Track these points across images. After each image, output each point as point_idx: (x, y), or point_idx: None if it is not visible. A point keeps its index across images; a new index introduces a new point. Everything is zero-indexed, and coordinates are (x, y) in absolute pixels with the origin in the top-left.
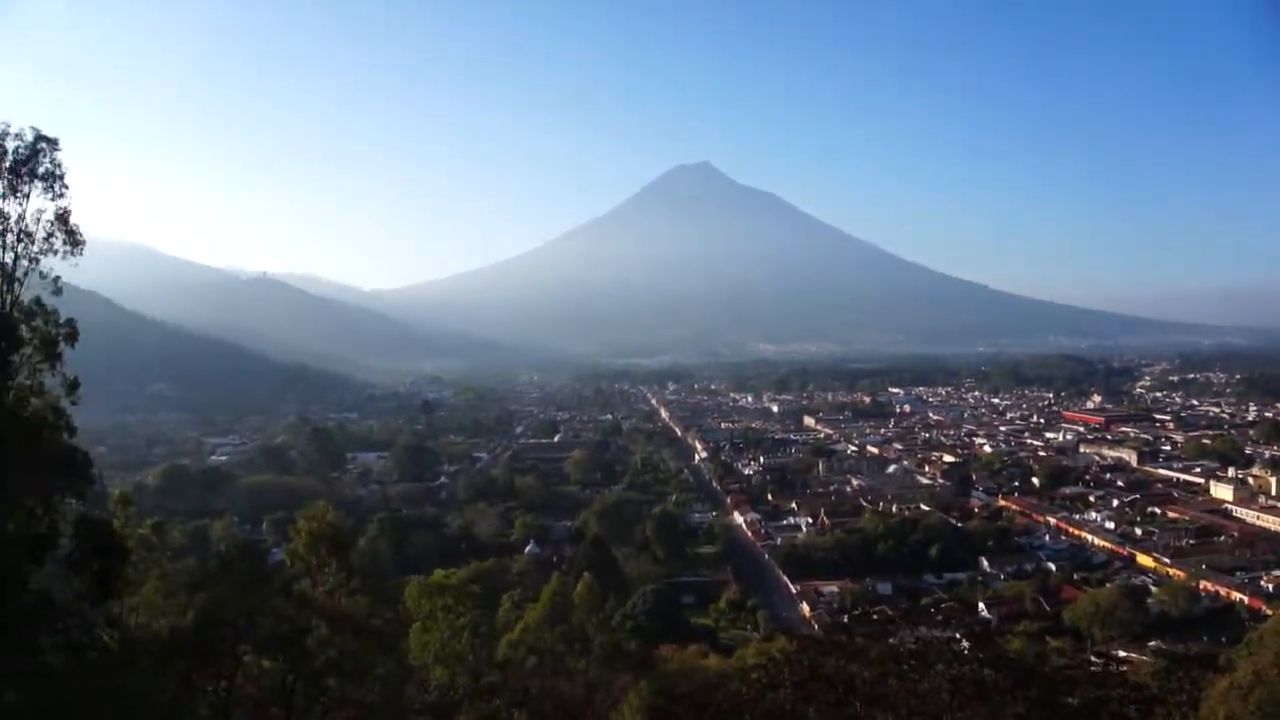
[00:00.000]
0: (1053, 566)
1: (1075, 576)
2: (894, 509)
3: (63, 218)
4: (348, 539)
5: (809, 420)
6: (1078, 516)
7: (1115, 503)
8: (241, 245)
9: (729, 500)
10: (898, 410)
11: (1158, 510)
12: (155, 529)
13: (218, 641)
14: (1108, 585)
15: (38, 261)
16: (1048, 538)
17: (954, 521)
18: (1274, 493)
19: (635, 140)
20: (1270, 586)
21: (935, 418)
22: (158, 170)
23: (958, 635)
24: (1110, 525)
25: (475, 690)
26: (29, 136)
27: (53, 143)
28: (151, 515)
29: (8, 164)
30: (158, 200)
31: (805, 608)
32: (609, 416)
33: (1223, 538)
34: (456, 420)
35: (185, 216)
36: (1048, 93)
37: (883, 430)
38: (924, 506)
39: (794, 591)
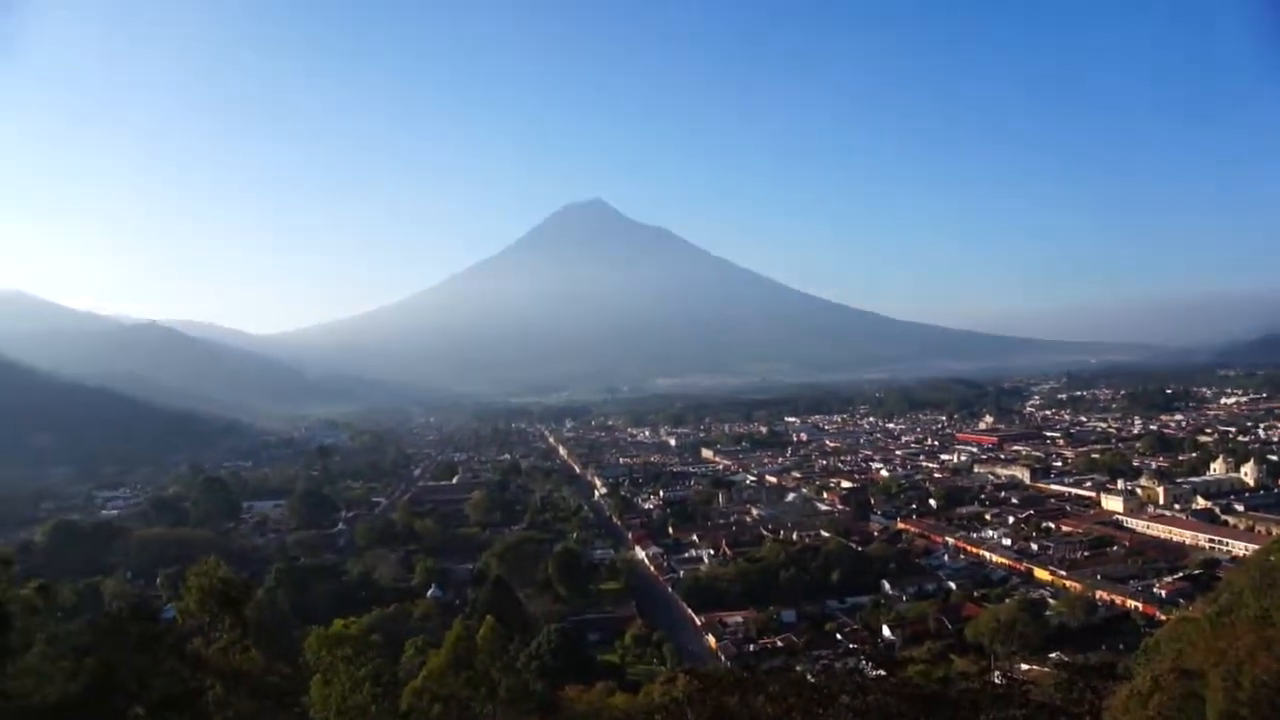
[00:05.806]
0: (953, 585)
1: (975, 594)
2: (795, 536)
3: None
4: (240, 593)
5: (707, 453)
6: (975, 535)
7: (1011, 519)
8: (129, 292)
9: (630, 535)
10: (794, 439)
11: (1052, 525)
12: (40, 591)
13: (109, 706)
14: (1007, 600)
15: None
16: (947, 557)
17: (854, 546)
18: (1161, 502)
19: (525, 181)
20: (1163, 593)
21: (832, 445)
22: (35, 211)
23: (863, 660)
24: (1007, 542)
25: None
26: None
27: None
28: (40, 575)
29: None
30: (36, 243)
31: (711, 639)
32: (507, 456)
33: (1115, 548)
34: (353, 465)
35: (67, 261)
36: (934, 108)
37: (780, 459)
38: (824, 533)
39: (699, 623)
